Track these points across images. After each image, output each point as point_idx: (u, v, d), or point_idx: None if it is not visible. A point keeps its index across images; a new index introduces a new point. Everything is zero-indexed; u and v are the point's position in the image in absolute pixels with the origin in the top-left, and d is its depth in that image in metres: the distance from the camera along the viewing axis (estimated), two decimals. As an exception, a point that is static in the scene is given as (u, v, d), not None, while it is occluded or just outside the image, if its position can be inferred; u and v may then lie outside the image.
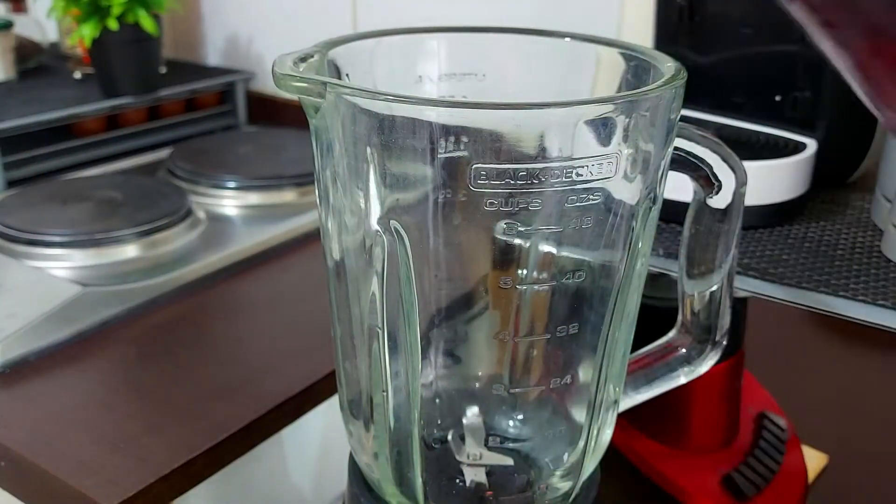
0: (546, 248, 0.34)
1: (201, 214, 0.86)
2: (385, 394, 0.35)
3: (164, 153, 1.02)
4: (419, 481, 0.36)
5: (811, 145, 0.52)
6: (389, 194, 0.32)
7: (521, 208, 0.31)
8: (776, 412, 0.65)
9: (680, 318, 0.41)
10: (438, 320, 0.36)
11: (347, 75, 0.37)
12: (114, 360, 0.66)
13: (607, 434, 0.39)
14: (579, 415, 0.37)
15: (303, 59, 0.33)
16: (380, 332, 0.34)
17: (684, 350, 0.41)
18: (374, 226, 0.32)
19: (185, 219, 0.82)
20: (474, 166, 0.30)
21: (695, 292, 0.39)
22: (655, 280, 0.42)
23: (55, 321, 0.67)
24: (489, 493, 0.36)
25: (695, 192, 0.37)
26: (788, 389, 0.69)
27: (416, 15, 1.00)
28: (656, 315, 0.43)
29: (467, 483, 0.36)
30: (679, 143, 0.35)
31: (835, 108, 0.53)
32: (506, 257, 0.34)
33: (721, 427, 0.60)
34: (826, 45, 0.17)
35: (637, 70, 0.37)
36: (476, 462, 0.36)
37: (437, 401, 0.39)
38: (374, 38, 0.39)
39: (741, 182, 0.36)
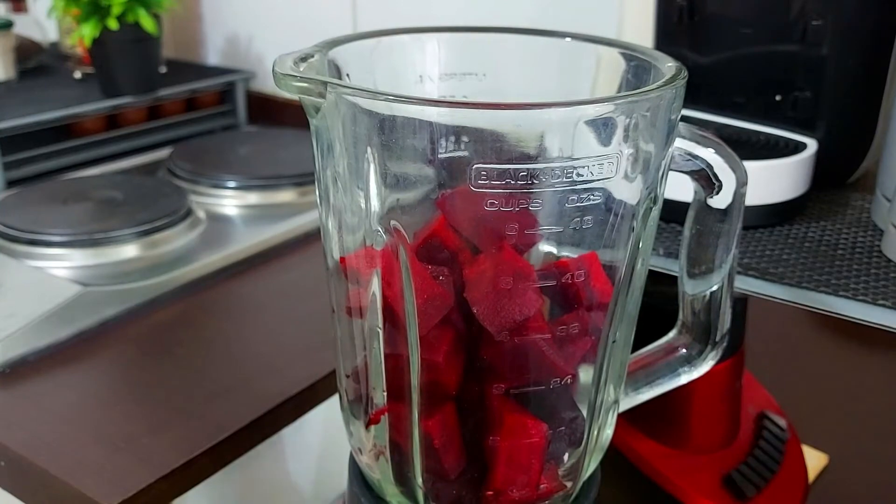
0: (546, 248, 0.34)
1: (201, 214, 0.86)
2: (385, 393, 0.35)
3: (164, 153, 1.02)
4: (419, 481, 0.36)
5: (811, 145, 0.52)
6: (390, 194, 0.32)
7: (521, 208, 0.31)
8: (776, 412, 0.65)
9: (680, 317, 0.41)
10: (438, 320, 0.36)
11: (348, 75, 0.37)
12: (114, 359, 0.66)
13: (607, 434, 0.39)
14: (579, 415, 0.37)
15: (303, 59, 0.33)
16: (380, 331, 0.34)
17: (684, 350, 0.41)
18: (375, 225, 0.32)
19: (185, 219, 0.83)
20: (475, 166, 0.30)
21: (695, 292, 0.39)
22: (656, 280, 0.42)
23: (55, 321, 0.67)
24: (489, 493, 0.36)
25: (695, 193, 0.37)
26: (788, 389, 0.69)
27: (416, 15, 1.00)
28: (656, 315, 0.43)
29: (467, 483, 0.36)
30: (680, 143, 0.35)
31: (835, 108, 0.53)
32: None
33: (721, 427, 0.60)
34: None
35: (637, 70, 0.37)
36: (476, 462, 0.36)
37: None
38: (375, 38, 0.39)
39: (741, 182, 0.36)
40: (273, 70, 0.32)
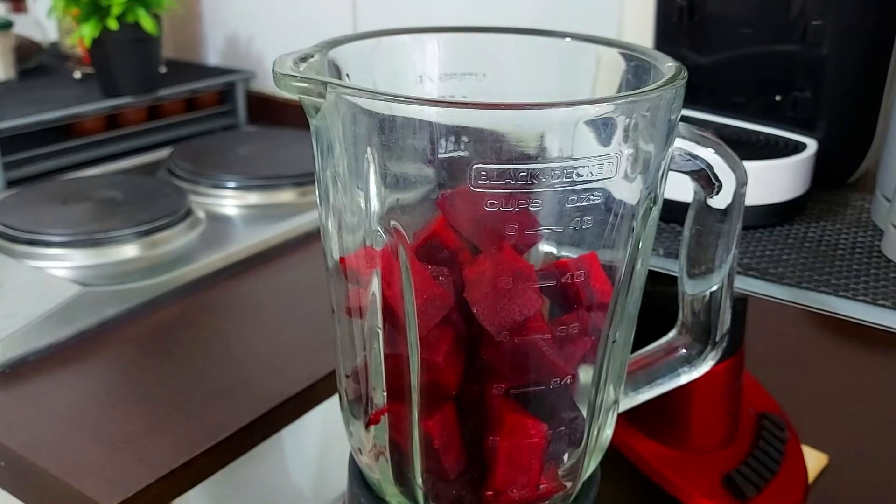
0: (546, 248, 0.34)
1: (201, 214, 0.86)
2: (385, 394, 0.35)
3: (164, 153, 1.02)
4: (419, 481, 0.36)
5: (811, 145, 0.52)
6: (390, 194, 0.32)
7: (521, 208, 0.31)
8: (776, 412, 0.65)
9: (680, 317, 0.41)
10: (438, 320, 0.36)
11: (348, 75, 0.37)
12: (114, 359, 0.66)
13: (607, 434, 0.39)
14: (579, 415, 0.37)
15: (303, 59, 0.33)
16: (380, 332, 0.34)
17: (684, 350, 0.41)
18: (375, 226, 0.32)
19: (185, 219, 0.83)
20: (474, 166, 0.30)
21: (695, 292, 0.39)
22: (656, 280, 0.42)
23: (55, 321, 0.67)
24: (489, 493, 0.36)
25: (695, 193, 0.37)
26: (788, 389, 0.69)
27: (416, 15, 1.00)
28: (656, 315, 0.43)
29: (467, 483, 0.36)
30: (679, 143, 0.35)
31: (835, 108, 0.53)
32: (506, 257, 0.34)
33: (721, 427, 0.60)
34: None
35: (637, 70, 0.37)
36: (476, 462, 0.36)
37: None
38: (375, 38, 0.39)
39: (741, 182, 0.36)
40: (273, 70, 0.32)
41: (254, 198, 0.91)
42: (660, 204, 0.35)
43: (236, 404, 0.60)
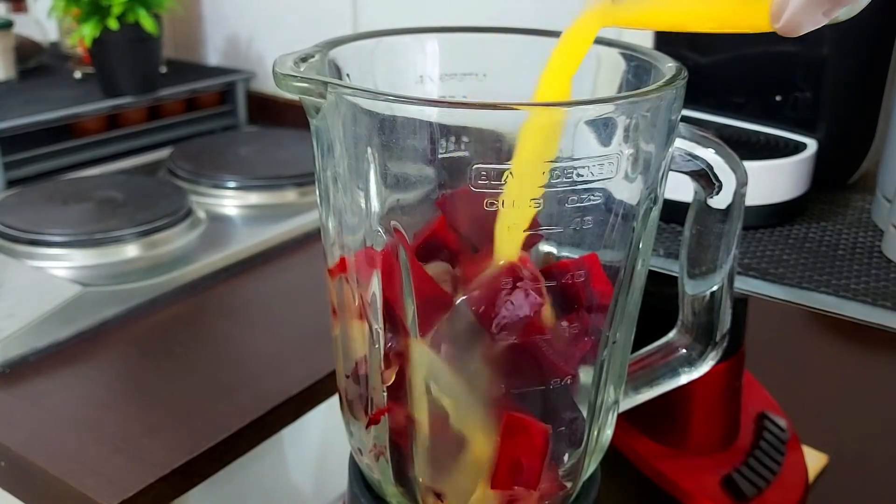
0: (546, 248, 0.34)
1: (201, 214, 0.86)
2: (384, 394, 0.35)
3: (164, 153, 1.02)
4: (419, 481, 0.36)
5: (811, 145, 0.52)
6: (390, 194, 0.32)
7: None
8: (776, 412, 0.65)
9: (680, 318, 0.41)
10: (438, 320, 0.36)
11: (348, 75, 0.37)
12: (114, 360, 0.66)
13: (607, 434, 0.39)
14: (579, 415, 0.37)
15: (303, 59, 0.33)
16: (380, 332, 0.34)
17: (685, 350, 0.41)
18: (375, 226, 0.32)
19: (185, 219, 0.83)
20: (475, 166, 0.30)
21: (695, 292, 0.39)
22: (656, 280, 0.42)
23: (55, 321, 0.67)
24: (489, 492, 0.36)
25: (695, 193, 0.37)
26: (788, 389, 0.69)
27: (416, 15, 1.00)
28: (656, 315, 0.43)
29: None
30: (680, 143, 0.35)
31: (835, 108, 0.53)
32: (506, 257, 0.34)
33: (721, 427, 0.60)
34: None
35: (637, 70, 0.37)
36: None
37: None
38: (375, 38, 0.39)
39: (742, 182, 0.36)
40: (273, 70, 0.32)
41: (254, 198, 0.91)
42: (660, 204, 0.35)
43: (236, 404, 0.60)
